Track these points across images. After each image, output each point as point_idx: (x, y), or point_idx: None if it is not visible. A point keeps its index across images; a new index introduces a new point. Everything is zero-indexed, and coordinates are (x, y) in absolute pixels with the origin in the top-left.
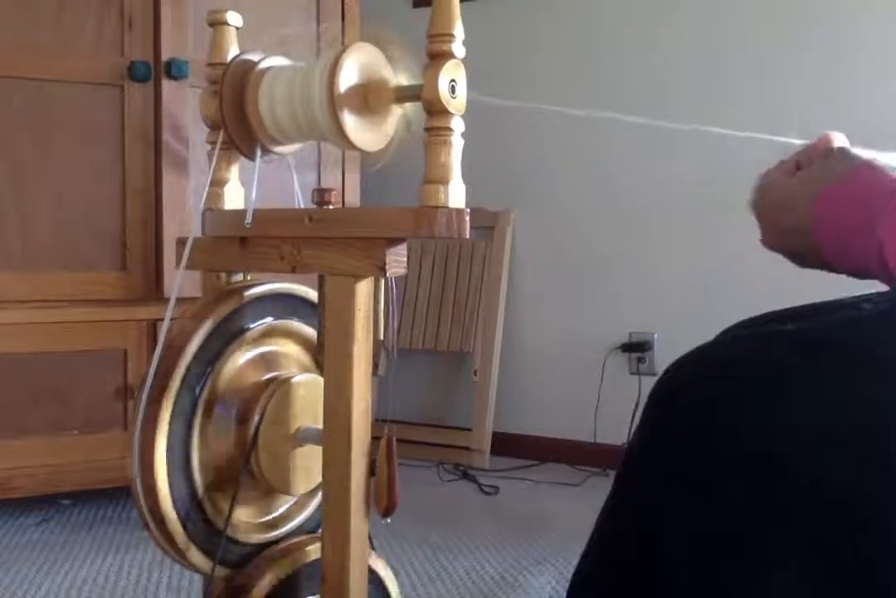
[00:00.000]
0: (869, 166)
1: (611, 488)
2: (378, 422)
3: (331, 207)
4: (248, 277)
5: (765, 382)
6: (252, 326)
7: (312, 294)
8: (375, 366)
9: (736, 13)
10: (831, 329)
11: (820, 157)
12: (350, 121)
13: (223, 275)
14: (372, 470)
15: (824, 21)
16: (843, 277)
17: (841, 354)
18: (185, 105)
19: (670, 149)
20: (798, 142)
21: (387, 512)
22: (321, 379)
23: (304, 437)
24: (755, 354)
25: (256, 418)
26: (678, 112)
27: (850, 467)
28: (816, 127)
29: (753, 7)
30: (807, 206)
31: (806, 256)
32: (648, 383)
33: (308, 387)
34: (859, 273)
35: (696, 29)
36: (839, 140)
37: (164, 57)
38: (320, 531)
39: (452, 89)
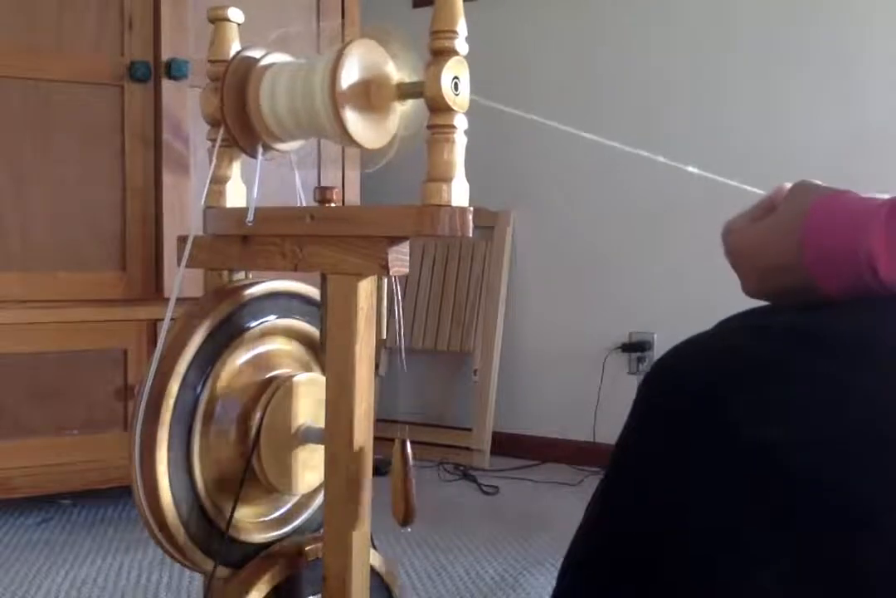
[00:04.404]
0: (840, 191)
1: (601, 483)
2: (379, 422)
3: (333, 205)
4: (250, 276)
5: (760, 376)
6: (253, 325)
7: (314, 293)
8: (376, 366)
9: (737, 13)
10: (827, 320)
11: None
12: (352, 118)
13: (224, 273)
14: (376, 470)
15: (827, 21)
16: None
17: (837, 347)
18: (185, 105)
19: (670, 149)
20: (762, 192)
21: (405, 521)
22: (323, 378)
23: (305, 436)
24: (751, 346)
25: (257, 417)
26: (677, 113)
27: (845, 464)
28: (820, 128)
29: (755, 7)
30: (791, 239)
31: (798, 291)
32: None
33: (309, 386)
34: (855, 292)
35: (696, 29)
36: None
37: (164, 57)
38: (322, 530)
39: (455, 86)
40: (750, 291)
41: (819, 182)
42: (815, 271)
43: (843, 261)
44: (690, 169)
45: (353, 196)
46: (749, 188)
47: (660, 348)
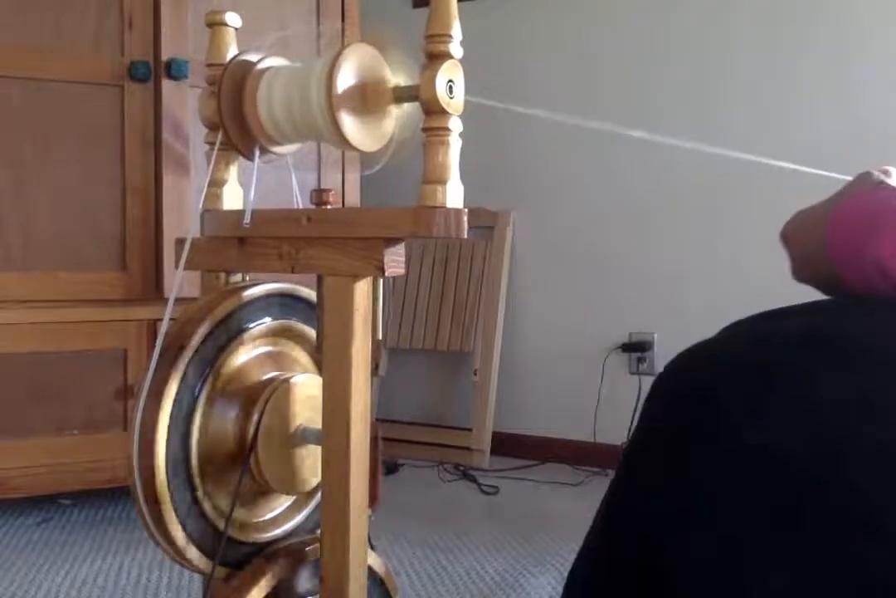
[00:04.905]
0: (878, 187)
1: (609, 486)
2: (379, 422)
3: (329, 207)
4: (247, 278)
5: (764, 381)
6: (251, 326)
7: (311, 294)
8: (376, 366)
9: (735, 13)
10: (829, 324)
11: None
12: (348, 121)
13: (222, 275)
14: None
15: (826, 20)
16: None
17: (839, 349)
18: (185, 105)
19: (670, 149)
20: (840, 176)
21: (370, 504)
22: (320, 379)
23: (303, 437)
24: (756, 352)
25: (255, 417)
26: (676, 112)
27: (850, 467)
28: (820, 129)
29: (753, 7)
30: (822, 231)
31: (833, 283)
32: (648, 383)
33: (307, 387)
34: (876, 291)
35: (693, 30)
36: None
37: (164, 57)
38: (319, 530)
39: (450, 89)
40: (796, 276)
41: (881, 173)
42: (839, 268)
43: (858, 261)
44: (690, 145)
45: (354, 198)
46: (829, 174)
47: (660, 348)
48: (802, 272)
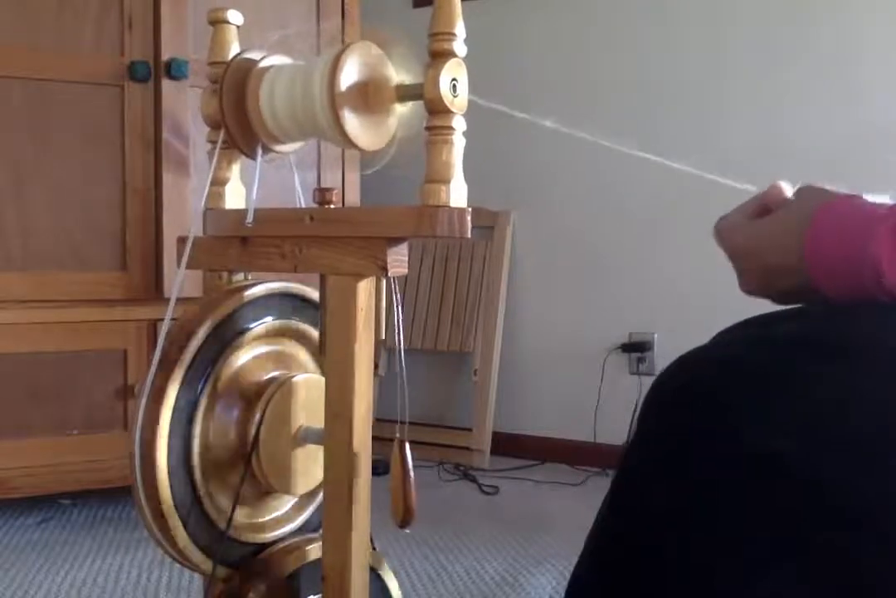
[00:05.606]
0: (848, 196)
1: (609, 488)
2: (379, 422)
3: (332, 206)
4: (249, 277)
5: (762, 382)
6: (253, 325)
7: (313, 294)
8: (375, 366)
9: (732, 13)
10: (823, 327)
11: (778, 203)
12: (351, 120)
13: (224, 275)
14: (375, 470)
15: (827, 21)
16: None
17: (838, 351)
18: (185, 105)
19: (669, 149)
20: (753, 189)
21: (404, 522)
22: (322, 379)
23: (305, 437)
24: (753, 354)
25: (257, 417)
26: (674, 113)
27: (847, 467)
28: (819, 129)
29: (751, 6)
30: (795, 241)
31: (800, 293)
32: (648, 383)
33: (309, 387)
34: (855, 297)
35: (693, 30)
36: (789, 189)
37: (164, 57)
38: (321, 531)
39: (454, 88)
40: (750, 289)
41: (828, 186)
42: (816, 275)
43: (845, 268)
44: (677, 166)
45: (354, 197)
46: (738, 185)
47: (660, 348)
48: (764, 285)
